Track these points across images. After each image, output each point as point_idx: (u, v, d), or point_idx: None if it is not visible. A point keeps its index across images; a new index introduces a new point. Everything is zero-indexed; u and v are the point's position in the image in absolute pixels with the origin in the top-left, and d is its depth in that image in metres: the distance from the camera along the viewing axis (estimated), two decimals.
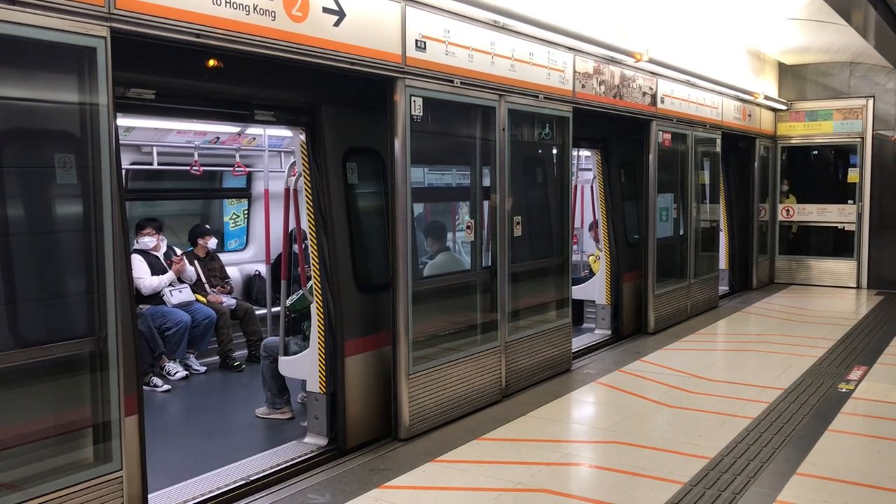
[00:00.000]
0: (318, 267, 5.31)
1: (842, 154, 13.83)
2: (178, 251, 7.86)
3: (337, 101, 5.33)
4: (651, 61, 8.17)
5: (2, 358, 3.31)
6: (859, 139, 12.99)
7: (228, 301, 8.04)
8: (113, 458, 3.65)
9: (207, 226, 8.51)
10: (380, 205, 5.72)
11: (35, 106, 3.49)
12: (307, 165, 5.29)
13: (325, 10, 4.63)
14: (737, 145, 12.50)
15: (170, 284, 7.48)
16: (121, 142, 3.74)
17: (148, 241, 7.46)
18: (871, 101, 12.90)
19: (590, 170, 9.71)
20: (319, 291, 5.30)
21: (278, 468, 4.90)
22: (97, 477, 3.58)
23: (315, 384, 5.35)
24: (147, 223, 7.57)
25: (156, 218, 7.80)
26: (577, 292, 8.73)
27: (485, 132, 6.26)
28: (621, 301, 9.06)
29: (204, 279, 8.08)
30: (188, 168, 7.89)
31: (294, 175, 5.75)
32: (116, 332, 3.62)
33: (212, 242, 8.21)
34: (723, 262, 12.39)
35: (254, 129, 7.90)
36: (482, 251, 6.37)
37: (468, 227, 6.27)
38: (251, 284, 9.11)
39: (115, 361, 3.62)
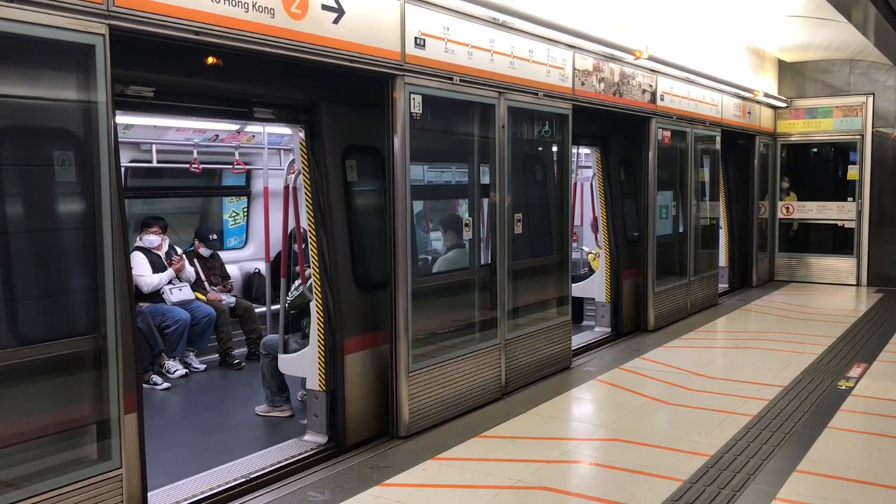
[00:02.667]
0: (317, 264, 5.30)
1: (841, 151, 13.81)
2: (179, 250, 7.86)
3: (336, 98, 5.32)
4: (651, 58, 8.16)
5: (2, 356, 3.31)
6: (859, 136, 12.99)
7: (228, 299, 8.03)
8: (112, 456, 3.65)
9: (214, 236, 8.41)
10: (379, 202, 5.72)
11: (34, 104, 3.48)
12: (306, 163, 5.28)
13: (325, 7, 4.62)
14: (736, 143, 12.49)
15: (169, 282, 7.48)
16: (120, 139, 3.72)
17: (153, 238, 7.46)
18: (870, 99, 12.89)
19: (589, 167, 9.70)
20: (319, 289, 5.30)
21: (278, 466, 4.90)
22: (96, 475, 3.58)
23: (315, 382, 5.35)
24: (154, 221, 7.54)
25: (162, 217, 7.79)
26: (577, 290, 8.73)
27: (484, 130, 6.25)
28: (621, 299, 9.06)
29: (204, 277, 8.08)
30: (187, 166, 7.88)
31: (293, 173, 5.74)
32: (116, 330, 3.62)
33: (203, 250, 8.19)
34: (722, 260, 12.39)
35: (253, 127, 7.89)
36: (481, 249, 6.36)
37: (466, 225, 6.26)
38: (251, 282, 9.11)
39: (114, 359, 3.62)
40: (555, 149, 7.48)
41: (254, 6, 4.18)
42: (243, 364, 7.64)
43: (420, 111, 5.40)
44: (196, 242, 8.23)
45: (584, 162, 10.30)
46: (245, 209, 9.51)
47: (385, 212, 5.50)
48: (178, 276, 7.60)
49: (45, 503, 3.40)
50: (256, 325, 8.06)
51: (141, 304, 7.16)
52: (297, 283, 5.95)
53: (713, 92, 10.58)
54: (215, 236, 8.44)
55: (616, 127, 8.96)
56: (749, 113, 12.18)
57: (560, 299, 7.37)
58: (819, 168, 14.63)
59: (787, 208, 13.62)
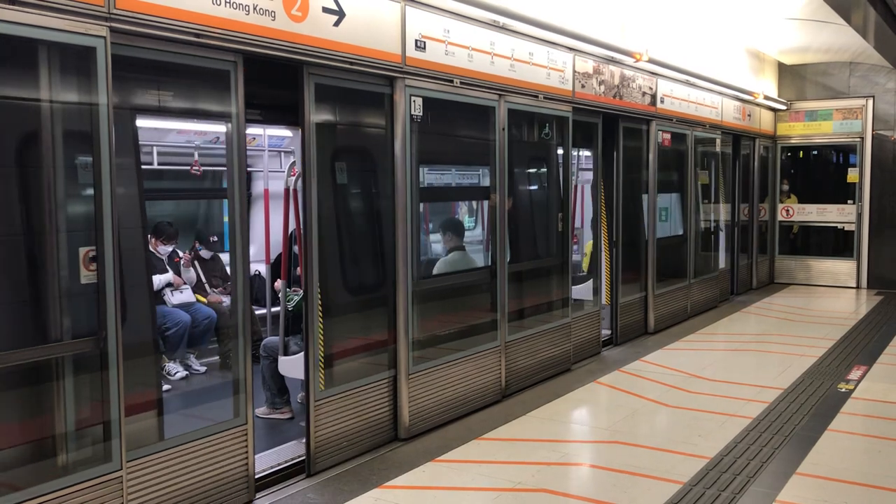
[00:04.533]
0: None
1: (842, 154, 13.82)
2: (181, 253, 7.84)
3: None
4: (651, 61, 8.17)
5: (7, 357, 3.32)
6: (859, 139, 13.00)
7: (228, 301, 8.02)
8: (112, 458, 3.65)
9: (214, 238, 8.37)
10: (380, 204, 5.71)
11: (36, 105, 3.49)
12: None
13: (325, 9, 4.63)
14: (736, 145, 12.47)
15: (169, 284, 7.47)
16: None
17: (167, 249, 7.42)
18: (870, 101, 12.90)
19: (590, 169, 9.69)
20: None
21: (278, 468, 4.90)
22: (96, 477, 3.58)
23: None
24: (167, 228, 7.43)
25: (171, 223, 7.75)
26: (576, 292, 8.70)
27: (484, 132, 6.25)
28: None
29: (204, 280, 8.07)
30: (188, 168, 7.88)
31: (294, 175, 5.74)
32: (116, 331, 3.62)
33: (204, 252, 8.19)
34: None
35: (254, 129, 7.89)
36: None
37: None
38: (251, 284, 9.08)
39: (114, 360, 3.62)
40: (555, 151, 7.48)
41: (255, 9, 4.19)
42: None
43: (421, 113, 5.40)
44: (196, 244, 8.21)
45: (585, 164, 10.28)
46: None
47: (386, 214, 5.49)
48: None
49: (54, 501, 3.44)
50: (257, 327, 8.04)
51: None
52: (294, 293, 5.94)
53: (713, 94, 10.58)
54: (216, 238, 8.42)
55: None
56: (749, 115, 12.18)
57: (562, 301, 7.37)
58: (819, 170, 14.64)
59: (787, 211, 13.62)
